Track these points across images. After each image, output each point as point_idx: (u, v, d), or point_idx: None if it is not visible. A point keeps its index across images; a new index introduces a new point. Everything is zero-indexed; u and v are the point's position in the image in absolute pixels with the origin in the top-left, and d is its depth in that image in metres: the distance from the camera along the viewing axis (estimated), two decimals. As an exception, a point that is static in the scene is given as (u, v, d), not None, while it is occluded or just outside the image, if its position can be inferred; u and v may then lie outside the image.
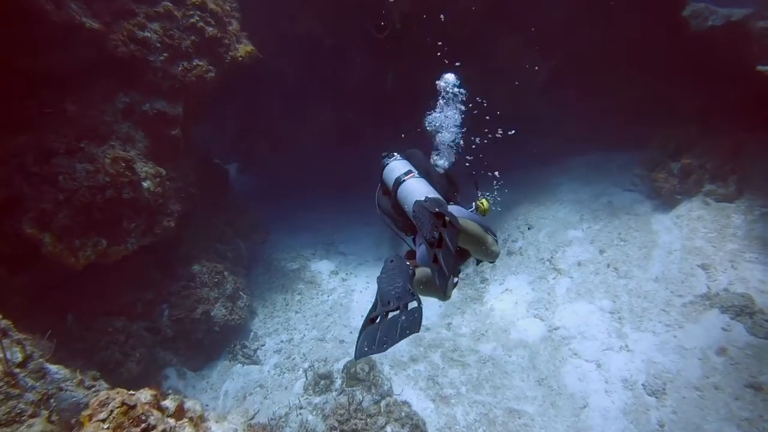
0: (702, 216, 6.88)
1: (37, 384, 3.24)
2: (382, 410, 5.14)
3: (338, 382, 6.14)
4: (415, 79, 5.28)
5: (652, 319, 6.07)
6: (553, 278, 7.24)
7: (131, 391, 2.31)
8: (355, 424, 4.97)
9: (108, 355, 5.70)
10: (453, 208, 2.52)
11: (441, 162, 3.08)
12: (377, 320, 2.07)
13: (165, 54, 5.82)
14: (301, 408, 5.74)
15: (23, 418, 2.89)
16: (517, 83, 8.08)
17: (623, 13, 7.82)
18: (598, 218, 7.85)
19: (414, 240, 2.77)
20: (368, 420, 4.94)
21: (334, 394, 5.92)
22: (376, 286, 2.23)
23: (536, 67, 8.50)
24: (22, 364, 3.28)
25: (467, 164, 3.30)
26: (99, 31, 5.22)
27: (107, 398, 2.12)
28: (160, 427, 2.23)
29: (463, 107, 3.22)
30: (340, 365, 6.44)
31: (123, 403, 2.10)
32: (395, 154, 2.99)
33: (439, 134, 3.18)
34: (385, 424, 4.95)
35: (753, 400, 4.91)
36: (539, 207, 8.70)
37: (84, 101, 5.45)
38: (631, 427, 5.17)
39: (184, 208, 6.42)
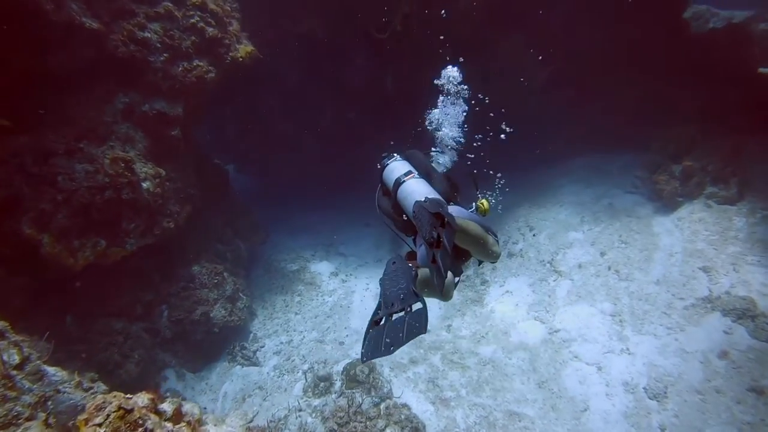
0: (703, 218, 6.86)
1: (35, 386, 3.23)
2: (381, 413, 5.11)
3: (338, 384, 6.11)
4: (416, 79, 5.27)
5: (654, 321, 6.04)
6: (554, 280, 7.21)
7: (128, 395, 2.29)
8: (355, 427, 4.94)
9: (107, 357, 5.68)
10: (453, 209, 2.50)
11: (442, 159, 3.07)
12: (381, 322, 2.06)
13: (165, 54, 5.80)
14: (300, 410, 5.71)
15: (20, 421, 2.87)
16: (518, 83, 8.06)
17: (624, 14, 7.81)
18: (599, 220, 7.83)
19: (414, 241, 2.76)
20: (368, 423, 4.91)
21: (333, 396, 5.89)
22: (376, 288, 2.23)
23: (536, 69, 8.48)
24: (19, 366, 3.26)
25: (468, 162, 3.28)
26: (99, 31, 5.21)
27: (104, 402, 2.10)
28: None
29: (464, 103, 3.21)
30: (339, 367, 6.41)
31: (119, 407, 2.08)
32: (395, 154, 2.97)
33: (440, 132, 3.16)
34: (385, 427, 4.92)
35: (755, 404, 4.89)
36: (540, 209, 8.67)
37: (83, 101, 5.44)
38: (632, 430, 5.14)
39: (184, 208, 6.40)
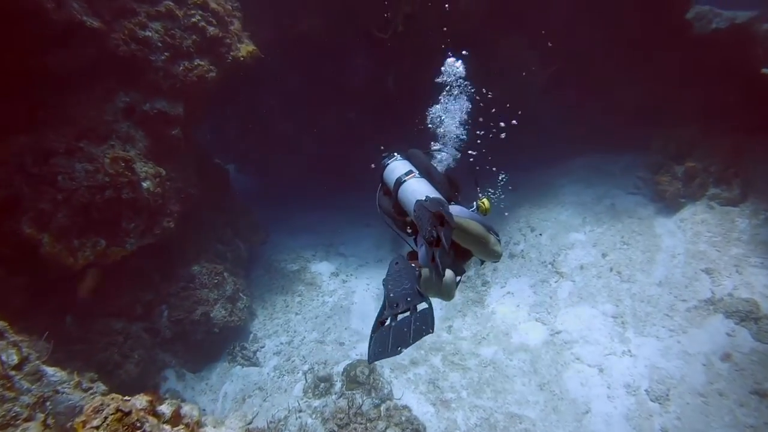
0: (706, 220, 6.83)
1: (33, 387, 3.21)
2: (382, 414, 5.09)
3: (338, 385, 6.09)
4: (417, 79, 5.24)
5: (656, 323, 6.01)
6: (555, 281, 7.18)
7: (126, 397, 2.27)
8: (355, 429, 4.92)
9: (107, 357, 5.66)
10: (455, 209, 2.50)
11: (444, 155, 3.06)
12: (386, 323, 2.06)
13: (166, 53, 5.78)
14: (300, 411, 5.69)
15: (18, 421, 2.85)
16: (518, 83, 8.04)
17: (625, 14, 7.78)
18: (600, 221, 7.80)
19: (415, 240, 2.75)
20: (368, 424, 4.89)
21: (333, 397, 5.87)
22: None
23: (537, 69, 8.45)
24: (18, 367, 3.24)
25: (471, 159, 3.27)
26: (100, 29, 5.19)
27: (101, 404, 2.08)
28: (156, 434, 2.19)
29: (466, 98, 3.19)
30: (340, 368, 6.39)
31: (117, 410, 2.06)
32: (395, 154, 2.97)
33: (441, 129, 3.15)
34: (385, 428, 4.90)
35: (758, 407, 4.86)
36: (541, 209, 8.65)
37: (84, 101, 5.42)
38: (634, 433, 5.12)
39: (184, 208, 6.38)
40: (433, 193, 2.49)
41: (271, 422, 5.37)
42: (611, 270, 6.89)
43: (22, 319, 4.37)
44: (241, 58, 6.51)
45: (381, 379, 6.02)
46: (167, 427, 2.36)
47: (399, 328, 2.00)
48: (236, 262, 8.05)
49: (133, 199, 5.33)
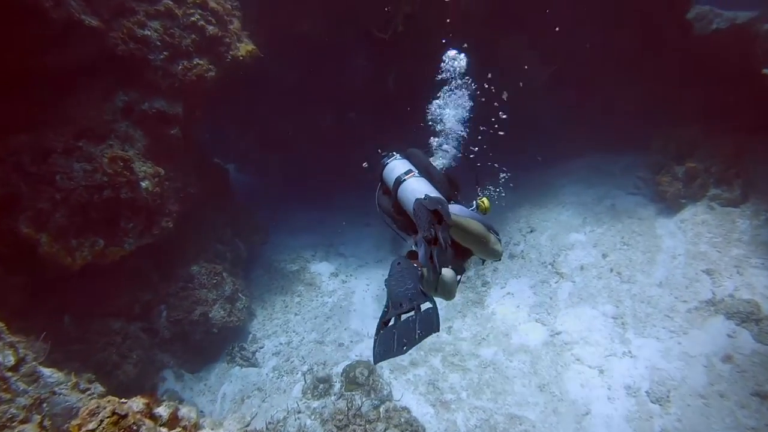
0: (707, 220, 6.81)
1: (30, 388, 3.19)
2: (381, 416, 5.06)
3: (337, 386, 6.07)
4: (417, 79, 5.22)
5: (656, 324, 5.99)
6: (555, 282, 7.16)
7: (123, 399, 2.25)
8: (354, 430, 4.89)
9: (105, 357, 5.64)
10: (454, 208, 2.52)
11: (443, 150, 3.05)
12: (390, 323, 2.07)
13: (165, 53, 5.76)
14: (299, 412, 5.67)
15: (14, 423, 2.83)
16: (518, 83, 8.01)
17: (626, 14, 7.76)
18: (601, 221, 7.78)
19: (415, 240, 2.75)
20: (367, 426, 4.87)
21: (332, 398, 5.85)
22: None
23: (538, 69, 8.43)
24: (14, 368, 3.22)
25: (471, 155, 3.26)
26: (98, 28, 5.16)
27: (97, 407, 2.05)
28: (153, 436, 2.16)
29: (466, 91, 3.17)
30: (339, 369, 6.37)
31: (113, 413, 2.03)
32: (395, 153, 2.97)
33: (440, 125, 3.14)
34: (385, 430, 4.88)
35: (759, 409, 4.83)
36: (541, 210, 8.62)
37: (83, 100, 5.40)
38: (634, 434, 5.09)
39: (183, 208, 6.36)
40: (433, 193, 2.49)
41: (269, 423, 5.35)
42: (611, 271, 6.87)
43: (19, 319, 4.34)
44: (241, 58, 6.48)
45: (380, 380, 6.00)
46: (164, 429, 2.34)
47: (404, 327, 2.01)
48: (235, 262, 8.02)
49: (132, 198, 5.31)
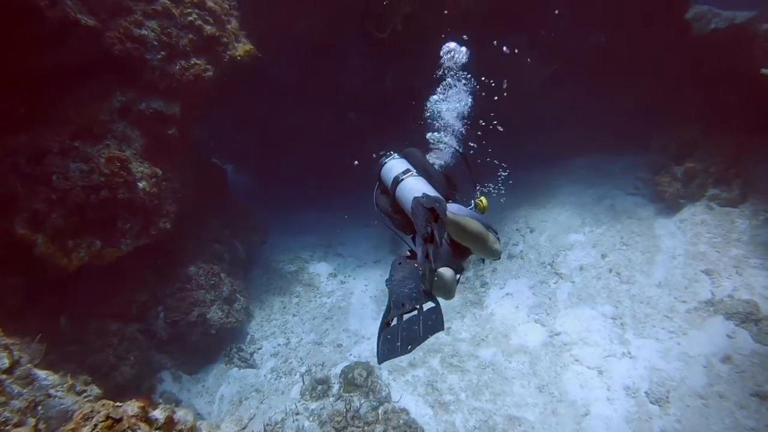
0: (706, 221, 6.80)
1: (24, 391, 3.15)
2: (380, 417, 5.04)
3: (335, 387, 6.04)
4: (416, 78, 5.20)
5: (655, 325, 5.98)
6: (555, 283, 7.14)
7: (117, 403, 2.22)
8: (353, 432, 4.87)
9: (102, 359, 5.60)
10: (452, 207, 2.54)
11: (445, 139, 3.04)
12: (393, 323, 2.08)
13: (162, 52, 5.72)
14: (297, 414, 5.64)
15: (8, 427, 2.80)
16: (518, 82, 7.99)
17: (625, 14, 7.75)
18: (600, 222, 7.76)
19: (413, 239, 2.75)
20: (366, 428, 4.84)
21: (331, 399, 5.82)
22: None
23: (537, 68, 8.41)
24: (8, 370, 3.19)
25: (471, 151, 3.25)
26: (95, 28, 5.12)
27: (91, 411, 2.03)
28: (148, 440, 2.13)
29: (465, 88, 3.16)
30: (337, 370, 6.34)
31: (108, 417, 2.00)
32: (393, 153, 2.98)
33: (439, 120, 3.13)
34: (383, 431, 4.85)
35: (758, 409, 4.82)
36: (540, 210, 8.61)
37: (79, 100, 5.36)
38: (633, 435, 5.08)
39: (181, 208, 6.32)
40: (432, 192, 2.50)
41: (268, 425, 5.32)
42: (611, 271, 6.86)
43: (16, 320, 4.32)
44: (239, 58, 6.45)
45: (379, 381, 5.98)
46: (160, 433, 2.32)
47: (408, 327, 2.03)
48: (234, 262, 7.99)
49: (129, 199, 5.27)
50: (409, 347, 1.96)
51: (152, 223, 5.76)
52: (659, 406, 5.23)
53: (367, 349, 6.86)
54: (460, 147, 3.13)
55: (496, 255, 2.59)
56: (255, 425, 5.32)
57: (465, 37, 3.42)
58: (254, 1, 7.08)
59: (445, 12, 6.37)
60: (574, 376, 5.80)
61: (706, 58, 7.13)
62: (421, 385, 6.08)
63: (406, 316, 2.08)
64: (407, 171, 2.71)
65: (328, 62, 9.01)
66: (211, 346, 7.00)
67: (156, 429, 2.27)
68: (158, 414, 2.40)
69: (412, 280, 2.20)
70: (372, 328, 7.31)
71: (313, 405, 5.79)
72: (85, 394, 3.75)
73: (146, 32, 5.57)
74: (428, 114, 3.25)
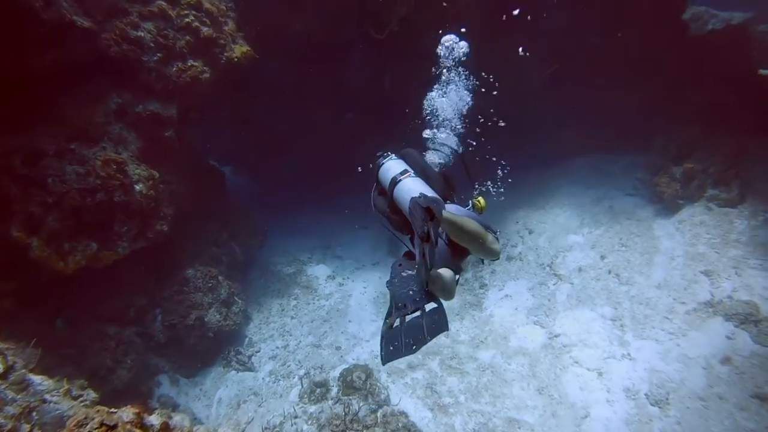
0: (705, 221, 6.79)
1: (19, 396, 3.12)
2: (378, 421, 5.01)
3: (334, 390, 6.01)
4: (414, 78, 5.18)
5: (655, 326, 5.96)
6: (554, 284, 7.13)
7: (112, 409, 2.19)
8: (351, 435, 4.84)
9: (99, 362, 5.56)
10: (450, 207, 2.53)
11: (443, 138, 3.03)
12: (395, 325, 2.08)
13: (159, 54, 5.69)
14: (296, 417, 5.60)
15: (1, 433, 2.76)
16: (517, 82, 7.99)
17: (623, 14, 7.75)
18: (599, 223, 7.75)
19: (412, 240, 2.74)
20: (364, 431, 4.81)
21: (329, 402, 5.78)
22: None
23: (537, 68, 8.40)
24: (2, 376, 3.15)
25: (470, 149, 3.24)
26: (91, 29, 5.09)
27: (85, 418, 1.99)
28: (144, 447, 2.10)
29: (463, 84, 3.15)
30: (336, 373, 6.31)
31: (102, 424, 1.97)
32: (390, 153, 2.97)
33: (436, 118, 3.12)
34: (382, 435, 4.82)
35: (758, 411, 4.81)
36: (539, 211, 8.60)
37: (75, 102, 5.32)
38: (633, 438, 5.06)
39: (178, 211, 6.28)
40: (429, 192, 2.50)
41: (266, 428, 5.29)
42: (610, 272, 6.84)
43: (12, 324, 4.28)
44: (236, 59, 6.42)
45: (378, 384, 5.94)
46: (156, 439, 2.29)
47: (411, 328, 2.03)
48: (231, 265, 7.95)
49: (126, 202, 5.24)
50: (414, 348, 1.96)
51: (149, 226, 5.72)
52: (659, 407, 5.22)
53: (365, 352, 6.83)
54: (458, 146, 3.12)
55: (494, 255, 2.58)
56: (253, 429, 5.29)
57: (463, 30, 3.40)
58: (251, 2, 7.06)
59: (443, 12, 6.35)
60: (573, 378, 5.78)
61: (706, 59, 7.14)
62: (421, 387, 6.05)
63: (408, 317, 2.08)
64: (405, 172, 2.70)
65: (326, 63, 8.99)
66: (209, 349, 6.96)
67: (151, 435, 2.24)
68: (154, 420, 2.37)
69: (413, 281, 2.19)
70: (371, 330, 7.28)
71: (312, 408, 5.76)
72: (81, 399, 3.73)
73: (142, 34, 5.54)
74: (426, 113, 3.24)
